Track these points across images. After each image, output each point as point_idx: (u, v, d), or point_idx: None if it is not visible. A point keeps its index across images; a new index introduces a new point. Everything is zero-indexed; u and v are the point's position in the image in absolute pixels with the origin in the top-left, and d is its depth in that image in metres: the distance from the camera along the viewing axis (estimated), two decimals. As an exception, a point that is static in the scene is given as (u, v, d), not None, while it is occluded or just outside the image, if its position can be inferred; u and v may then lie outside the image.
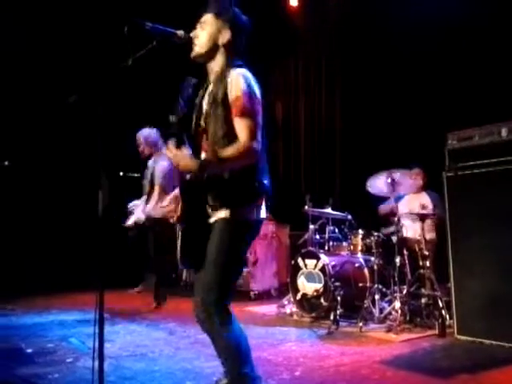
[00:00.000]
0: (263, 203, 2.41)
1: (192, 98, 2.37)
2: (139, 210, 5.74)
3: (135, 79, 2.17)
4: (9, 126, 7.16)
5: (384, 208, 5.50)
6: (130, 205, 5.89)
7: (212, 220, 2.37)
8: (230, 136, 2.27)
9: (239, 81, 2.28)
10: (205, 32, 2.40)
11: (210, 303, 2.25)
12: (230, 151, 2.24)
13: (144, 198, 5.82)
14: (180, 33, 2.38)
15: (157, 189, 5.57)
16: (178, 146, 2.24)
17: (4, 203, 6.92)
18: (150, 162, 5.82)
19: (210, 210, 2.37)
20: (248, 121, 2.25)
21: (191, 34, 2.41)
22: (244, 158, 2.24)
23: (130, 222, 5.79)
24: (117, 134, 2.30)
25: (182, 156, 2.21)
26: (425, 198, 5.44)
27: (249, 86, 2.29)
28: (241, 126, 2.25)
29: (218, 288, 2.26)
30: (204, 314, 2.28)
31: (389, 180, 4.80)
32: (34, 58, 7.23)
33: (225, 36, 2.40)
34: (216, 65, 2.42)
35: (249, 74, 2.35)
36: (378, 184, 4.95)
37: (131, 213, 5.86)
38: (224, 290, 2.29)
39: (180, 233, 2.41)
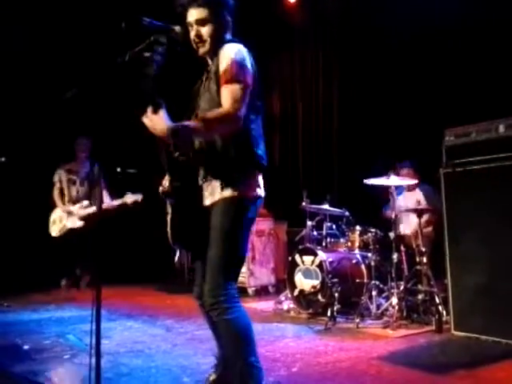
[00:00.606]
0: (260, 178, 2.36)
1: (163, 61, 2.26)
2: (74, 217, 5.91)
3: (132, 75, 2.15)
4: (5, 122, 7.13)
5: (389, 213, 5.49)
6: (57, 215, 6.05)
7: (208, 202, 2.32)
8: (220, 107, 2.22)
9: (229, 51, 2.26)
10: (208, 28, 2.37)
11: (218, 288, 2.20)
12: (209, 115, 2.19)
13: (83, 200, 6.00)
14: (177, 28, 2.37)
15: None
16: (155, 111, 2.15)
17: (1, 200, 6.90)
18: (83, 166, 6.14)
19: (204, 190, 2.32)
20: (233, 87, 2.19)
21: (192, 37, 2.39)
22: (224, 124, 2.18)
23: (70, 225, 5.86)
24: (114, 130, 2.27)
25: (158, 119, 2.12)
26: (418, 194, 5.46)
27: (238, 55, 2.25)
28: (225, 93, 2.20)
29: (224, 272, 2.22)
30: (211, 300, 2.21)
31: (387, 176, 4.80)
32: (31, 54, 7.20)
33: (226, 26, 2.41)
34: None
35: (241, 46, 2.32)
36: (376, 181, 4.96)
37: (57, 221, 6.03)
38: (231, 273, 2.25)
39: (170, 209, 2.33)
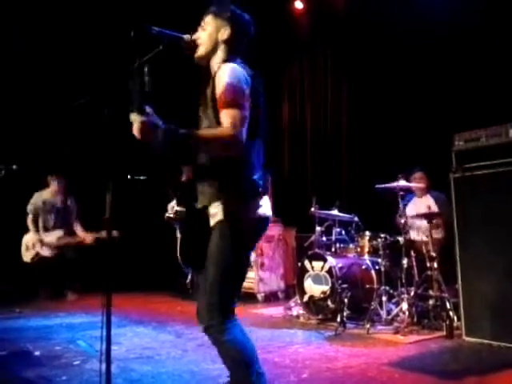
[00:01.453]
0: (261, 200, 2.31)
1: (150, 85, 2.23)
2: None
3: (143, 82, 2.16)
4: (17, 129, 7.21)
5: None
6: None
7: (212, 223, 2.30)
8: None
9: (224, 74, 2.20)
10: (205, 32, 2.39)
11: (212, 310, 2.19)
12: (208, 129, 2.18)
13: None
14: (186, 37, 2.38)
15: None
16: (141, 111, 2.10)
17: (12, 207, 6.96)
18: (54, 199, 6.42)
19: (210, 212, 2.30)
20: (231, 111, 2.13)
21: (193, 37, 2.39)
22: (224, 143, 2.11)
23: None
24: (124, 137, 2.29)
25: (148, 122, 2.06)
26: (430, 200, 5.43)
27: (234, 78, 2.19)
28: (224, 116, 2.14)
29: (219, 295, 2.20)
30: (206, 323, 2.22)
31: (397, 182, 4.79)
32: (42, 62, 7.28)
33: (224, 33, 2.36)
34: (215, 63, 2.37)
35: (237, 67, 2.25)
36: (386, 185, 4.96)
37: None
38: (226, 295, 2.23)
39: (179, 233, 2.33)
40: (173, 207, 2.33)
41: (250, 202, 2.26)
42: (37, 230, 6.23)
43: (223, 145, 2.12)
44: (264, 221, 2.32)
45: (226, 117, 2.13)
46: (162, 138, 2.07)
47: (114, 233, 5.76)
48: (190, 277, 7.21)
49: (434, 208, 5.25)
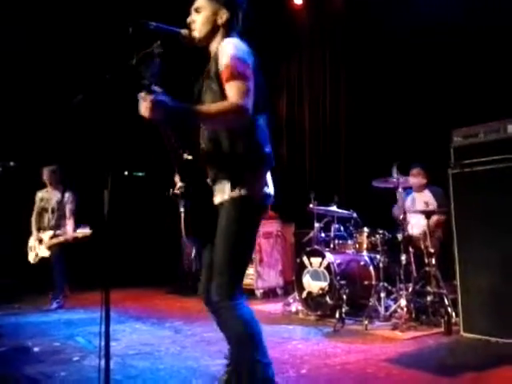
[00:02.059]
0: (268, 176, 2.36)
1: (160, 67, 2.24)
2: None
3: (141, 79, 2.15)
4: (15, 126, 7.20)
5: (398, 212, 5.48)
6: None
7: (217, 200, 2.32)
8: None
9: (227, 47, 2.24)
10: (200, 16, 2.38)
11: (223, 284, 2.21)
12: (214, 105, 2.18)
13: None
14: (184, 32, 2.38)
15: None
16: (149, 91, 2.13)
17: (11, 204, 6.95)
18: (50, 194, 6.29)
19: (213, 189, 2.33)
20: (237, 83, 2.16)
21: (188, 20, 2.39)
22: (231, 115, 2.14)
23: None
24: (121, 134, 2.29)
25: (156, 101, 2.07)
26: (427, 195, 5.43)
27: (237, 51, 2.23)
28: (230, 88, 2.17)
29: (229, 270, 2.23)
30: (217, 298, 2.22)
31: (395, 178, 4.79)
32: (39, 59, 7.26)
33: (222, 16, 2.38)
34: (215, 44, 2.39)
35: (239, 41, 2.30)
36: (384, 183, 4.96)
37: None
38: (237, 272, 2.27)
39: (183, 209, 2.33)
40: (179, 185, 2.33)
41: (260, 177, 2.30)
42: (38, 229, 6.20)
43: (231, 116, 2.15)
44: (269, 198, 2.36)
45: (232, 89, 2.17)
46: (171, 117, 2.10)
47: (87, 231, 5.80)
48: (194, 252, 7.21)
49: (433, 203, 5.25)
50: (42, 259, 6.02)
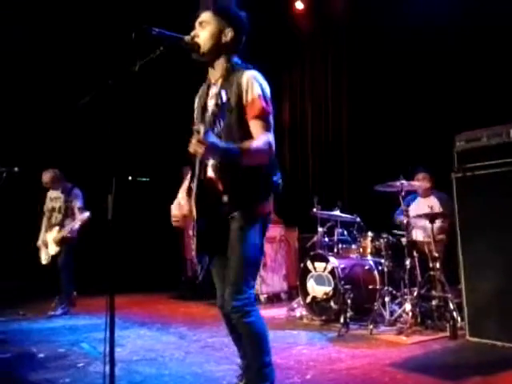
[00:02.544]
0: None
1: None
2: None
3: (144, 84, 2.18)
4: (18, 131, 7.23)
5: (400, 219, 5.48)
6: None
7: (229, 214, 2.40)
8: (246, 139, 2.30)
9: (254, 84, 2.34)
10: (206, 31, 2.41)
11: (240, 293, 2.33)
12: (254, 145, 2.27)
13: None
14: (187, 38, 2.40)
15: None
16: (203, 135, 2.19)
17: (15, 209, 6.98)
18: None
19: (225, 208, 2.39)
20: (265, 122, 2.34)
21: (192, 33, 2.41)
22: (265, 153, 2.30)
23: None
24: (125, 138, 2.31)
25: (212, 141, 2.12)
26: (432, 201, 5.42)
27: (263, 88, 2.36)
28: (259, 126, 2.33)
29: (245, 279, 2.36)
30: (234, 303, 2.34)
31: (399, 182, 4.78)
32: (44, 64, 7.30)
33: (227, 35, 2.42)
34: (219, 64, 2.45)
35: (260, 76, 2.41)
36: (387, 187, 4.95)
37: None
38: (248, 282, 2.39)
39: (196, 231, 2.41)
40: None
41: (267, 198, 2.45)
42: (45, 231, 6.18)
43: (266, 154, 2.32)
44: (270, 213, 2.53)
45: (261, 126, 2.33)
46: (221, 156, 2.23)
47: (85, 215, 5.79)
48: (199, 268, 7.20)
49: (438, 208, 5.24)
50: (53, 258, 5.99)
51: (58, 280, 5.89)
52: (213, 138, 2.14)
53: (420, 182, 5.27)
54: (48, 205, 6.25)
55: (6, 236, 6.94)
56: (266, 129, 2.33)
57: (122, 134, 2.23)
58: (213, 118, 2.42)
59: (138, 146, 7.45)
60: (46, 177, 6.22)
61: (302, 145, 8.42)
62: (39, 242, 6.18)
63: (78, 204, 6.13)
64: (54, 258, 6.01)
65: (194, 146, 2.09)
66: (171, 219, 2.56)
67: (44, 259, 6.09)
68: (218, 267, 2.51)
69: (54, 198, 6.23)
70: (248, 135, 2.32)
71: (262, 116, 2.33)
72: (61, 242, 5.95)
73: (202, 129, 2.10)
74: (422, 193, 5.50)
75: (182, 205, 2.54)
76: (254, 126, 2.33)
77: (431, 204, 5.27)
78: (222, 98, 2.35)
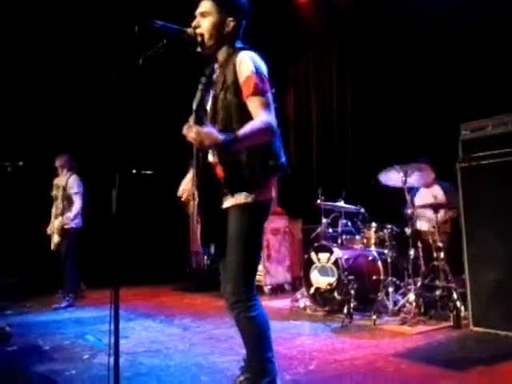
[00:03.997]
0: (274, 180, 2.45)
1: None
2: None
3: (147, 78, 2.17)
4: (22, 126, 7.23)
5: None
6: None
7: (226, 205, 2.38)
8: (244, 120, 2.24)
9: (247, 61, 2.29)
10: (207, 21, 2.39)
11: (240, 287, 2.31)
12: (249, 128, 2.20)
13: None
14: (190, 30, 2.38)
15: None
16: (198, 123, 2.23)
17: (18, 203, 7.00)
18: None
19: (224, 195, 2.38)
20: (261, 98, 2.26)
21: (193, 24, 2.40)
22: (264, 134, 2.23)
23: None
24: (129, 132, 2.31)
25: (207, 132, 2.10)
26: (436, 190, 5.40)
27: (257, 65, 2.30)
28: (255, 104, 2.26)
29: (245, 273, 2.33)
30: (234, 298, 2.32)
31: (401, 174, 4.75)
32: (46, 59, 7.29)
33: (230, 24, 2.40)
34: (222, 52, 2.44)
35: (255, 55, 2.36)
36: (391, 177, 4.92)
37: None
38: (251, 273, 2.36)
39: (200, 220, 2.41)
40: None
41: (271, 184, 2.39)
42: (55, 218, 6.16)
43: (264, 135, 2.24)
44: (272, 200, 2.45)
45: (257, 104, 2.25)
46: (219, 146, 2.15)
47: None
48: (207, 258, 7.22)
49: (442, 198, 5.22)
50: (57, 247, 5.98)
51: (61, 272, 5.90)
52: (210, 129, 2.13)
53: (423, 172, 5.24)
54: (53, 192, 6.22)
55: (9, 231, 6.95)
56: (264, 107, 2.24)
57: (125, 127, 2.23)
58: (213, 102, 2.41)
59: (141, 139, 7.44)
60: (61, 160, 6.23)
61: (306, 137, 8.40)
62: (49, 230, 6.14)
63: (73, 190, 6.07)
64: (57, 247, 6.01)
65: (185, 131, 2.14)
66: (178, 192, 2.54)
67: (52, 245, 6.06)
68: (224, 257, 2.45)
69: (57, 186, 6.18)
70: (247, 116, 2.25)
71: (258, 93, 2.25)
72: (61, 232, 5.94)
73: (191, 120, 2.18)
74: (424, 183, 5.45)
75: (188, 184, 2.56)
76: (251, 104, 2.26)
77: (435, 193, 5.26)
78: (222, 83, 2.36)
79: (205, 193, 2.39)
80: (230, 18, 2.40)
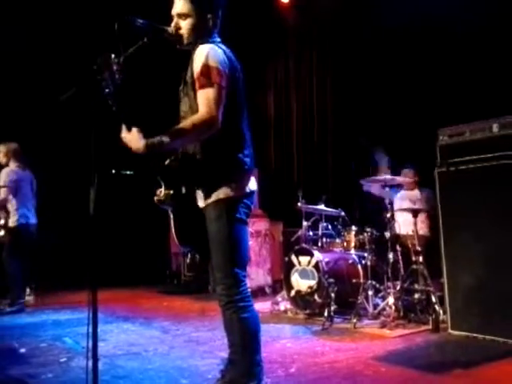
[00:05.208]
0: (249, 176, 2.40)
1: (118, 75, 2.23)
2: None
3: (128, 75, 2.15)
4: (3, 123, 7.11)
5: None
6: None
7: (202, 204, 2.36)
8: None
9: (201, 54, 2.26)
10: (186, 23, 2.37)
11: (231, 287, 2.29)
12: (182, 124, 2.22)
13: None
14: (171, 29, 2.38)
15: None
16: (129, 128, 2.22)
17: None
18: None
19: (197, 193, 2.36)
20: (207, 92, 2.20)
21: (172, 25, 2.38)
22: (201, 130, 2.19)
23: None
24: (109, 131, 2.28)
25: (132, 138, 2.19)
26: (416, 195, 5.46)
27: (211, 58, 2.25)
28: (200, 98, 2.22)
29: (233, 272, 2.29)
30: (227, 299, 2.31)
31: (381, 185, 4.82)
32: (26, 55, 7.19)
33: (209, 22, 2.40)
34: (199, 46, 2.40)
35: (214, 47, 2.31)
36: (373, 188, 4.99)
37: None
38: (239, 270, 2.32)
39: (171, 215, 2.38)
40: (161, 191, 2.37)
41: (238, 179, 2.33)
42: None
43: (202, 130, 2.20)
44: (251, 194, 2.41)
45: (201, 98, 2.21)
46: (151, 151, 2.17)
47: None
48: (189, 257, 7.18)
49: (420, 202, 5.27)
50: None
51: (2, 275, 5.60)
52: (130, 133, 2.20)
53: (404, 177, 5.30)
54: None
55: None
56: (207, 101, 2.18)
57: (105, 126, 2.20)
58: (180, 96, 2.42)
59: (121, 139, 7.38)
60: (5, 149, 5.80)
61: (286, 138, 8.42)
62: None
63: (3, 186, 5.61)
64: None
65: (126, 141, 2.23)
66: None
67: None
68: (208, 259, 2.41)
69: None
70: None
71: (206, 86, 2.20)
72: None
73: (123, 127, 2.22)
74: (407, 185, 5.51)
75: None
76: (198, 98, 2.23)
77: (413, 198, 5.31)
78: (184, 77, 2.35)
79: (174, 191, 2.34)
80: (209, 15, 2.39)
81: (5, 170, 5.71)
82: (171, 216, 2.39)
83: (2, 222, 5.67)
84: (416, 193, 5.50)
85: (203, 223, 2.34)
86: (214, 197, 2.30)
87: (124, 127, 2.23)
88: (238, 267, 2.32)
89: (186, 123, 2.22)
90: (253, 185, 2.42)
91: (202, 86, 2.21)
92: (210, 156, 2.29)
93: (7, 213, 5.70)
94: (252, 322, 2.33)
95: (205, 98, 2.20)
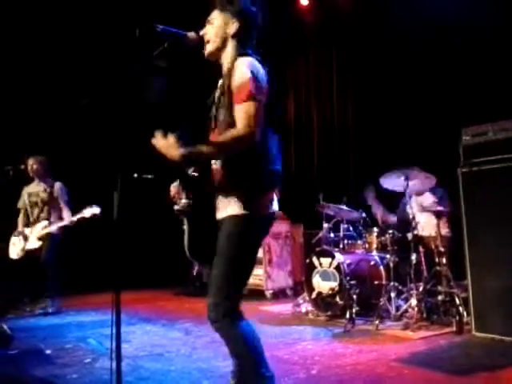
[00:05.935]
0: (274, 196, 2.34)
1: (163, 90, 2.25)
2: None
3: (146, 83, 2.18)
4: (25, 129, 7.24)
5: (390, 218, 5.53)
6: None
7: (220, 216, 2.32)
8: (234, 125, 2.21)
9: (241, 68, 2.23)
10: (213, 27, 2.39)
11: (220, 302, 2.21)
12: (222, 138, 2.20)
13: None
14: (191, 34, 2.38)
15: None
16: (164, 134, 2.19)
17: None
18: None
19: (217, 205, 2.33)
20: (246, 107, 2.17)
21: (201, 32, 2.40)
22: (238, 145, 2.17)
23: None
24: (130, 136, 2.31)
25: (170, 145, 2.14)
26: (427, 198, 5.31)
27: (251, 73, 2.22)
28: (238, 113, 2.19)
29: (227, 287, 2.22)
30: (214, 314, 2.24)
31: (402, 178, 4.76)
32: (47, 62, 7.31)
33: (232, 27, 2.37)
34: (226, 57, 2.39)
35: (254, 62, 2.29)
36: (392, 181, 4.92)
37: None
38: (234, 290, 2.25)
39: (187, 224, 2.35)
40: (181, 200, 2.34)
41: (264, 196, 2.28)
42: (25, 225, 6.03)
43: (239, 145, 2.17)
44: (273, 216, 2.35)
45: (240, 114, 2.18)
46: (191, 162, 2.18)
47: (97, 210, 5.63)
48: (196, 269, 7.22)
49: (434, 204, 5.20)
50: (30, 253, 5.79)
51: (42, 276, 5.69)
52: (168, 141, 2.16)
53: (426, 178, 5.23)
54: (26, 201, 6.02)
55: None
56: (247, 115, 2.15)
57: (127, 131, 2.23)
58: (215, 110, 2.38)
59: (142, 143, 7.46)
60: (36, 163, 5.96)
61: (307, 141, 8.41)
62: (14, 239, 5.96)
63: (64, 198, 5.95)
64: (30, 253, 5.80)
65: (153, 142, 2.20)
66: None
67: (16, 253, 5.84)
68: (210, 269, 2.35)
69: (34, 193, 5.99)
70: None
71: (245, 101, 2.17)
72: (45, 238, 5.85)
73: (158, 133, 2.18)
74: (414, 192, 5.36)
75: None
76: (237, 112, 2.20)
77: (430, 199, 5.23)
78: (222, 88, 2.33)
79: (195, 202, 2.31)
80: (233, 20, 2.38)
81: (61, 186, 6.05)
82: (186, 225, 2.35)
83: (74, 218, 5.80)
84: (427, 196, 5.36)
85: (215, 238, 2.29)
86: (234, 211, 2.24)
87: (159, 133, 2.20)
88: (233, 285, 2.24)
89: (225, 137, 2.19)
90: (276, 205, 2.36)
91: (242, 100, 2.18)
92: (234, 170, 2.25)
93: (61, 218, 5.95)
94: (245, 337, 2.23)
95: (243, 113, 2.17)
